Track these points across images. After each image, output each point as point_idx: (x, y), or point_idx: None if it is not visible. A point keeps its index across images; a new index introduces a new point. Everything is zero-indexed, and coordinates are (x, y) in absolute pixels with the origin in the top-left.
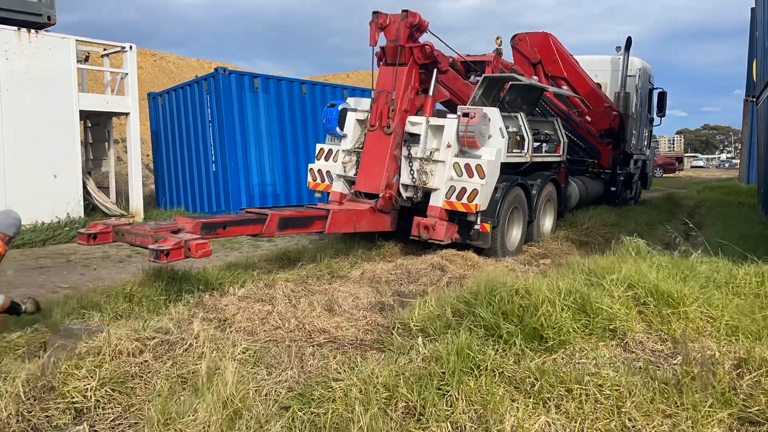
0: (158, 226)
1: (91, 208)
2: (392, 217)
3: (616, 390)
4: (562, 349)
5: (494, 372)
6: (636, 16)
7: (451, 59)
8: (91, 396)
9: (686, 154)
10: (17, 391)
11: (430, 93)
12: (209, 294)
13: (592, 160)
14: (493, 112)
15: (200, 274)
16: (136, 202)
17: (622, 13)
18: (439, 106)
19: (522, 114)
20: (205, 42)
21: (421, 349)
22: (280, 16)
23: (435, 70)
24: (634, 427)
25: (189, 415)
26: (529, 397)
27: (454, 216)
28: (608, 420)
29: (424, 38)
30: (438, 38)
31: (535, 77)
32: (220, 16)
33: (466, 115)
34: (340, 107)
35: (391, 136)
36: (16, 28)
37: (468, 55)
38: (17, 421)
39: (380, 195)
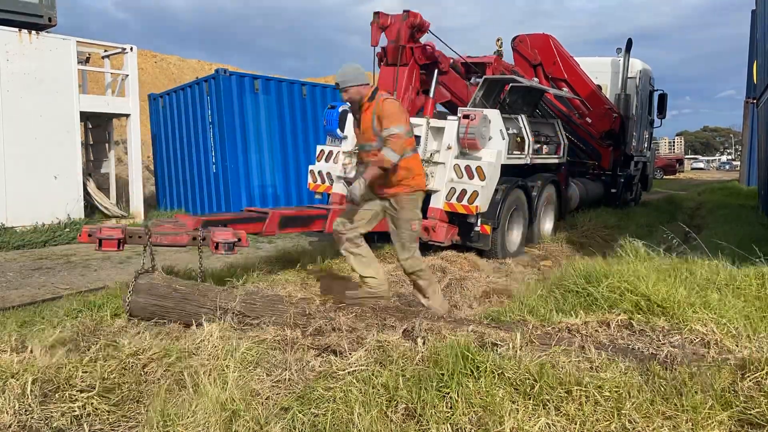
0: (159, 223)
1: (91, 209)
2: None
3: (616, 392)
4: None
5: (494, 374)
6: (555, 20)
7: (451, 60)
8: (92, 396)
9: (686, 156)
10: (23, 390)
11: (431, 94)
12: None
13: (593, 161)
14: (494, 114)
15: (200, 275)
16: (137, 203)
17: (540, 17)
18: (439, 108)
19: (522, 116)
20: (131, 36)
21: (420, 349)
22: (204, 16)
23: (436, 71)
24: (634, 428)
25: (188, 417)
26: (529, 399)
27: (454, 218)
28: (608, 422)
29: (425, 39)
30: (439, 39)
31: (536, 79)
32: (142, 15)
33: (466, 116)
34: (340, 109)
35: None
36: (16, 29)
37: (469, 57)
38: (17, 422)
39: None
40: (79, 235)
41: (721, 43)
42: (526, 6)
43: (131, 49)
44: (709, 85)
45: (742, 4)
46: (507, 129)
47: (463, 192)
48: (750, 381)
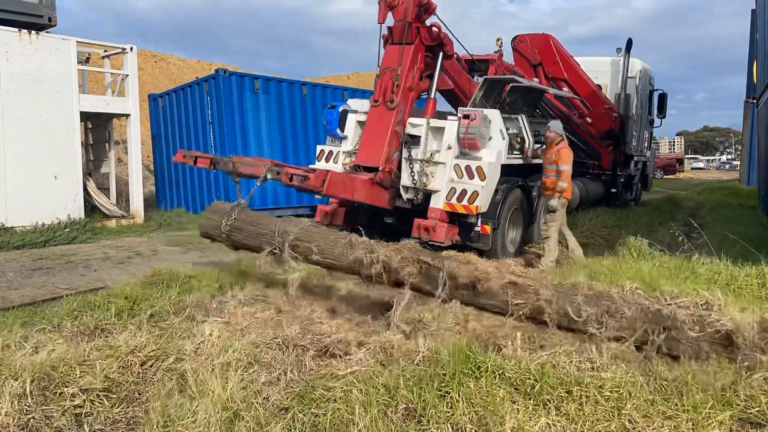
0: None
1: (91, 209)
2: (390, 194)
3: (617, 391)
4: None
5: (494, 373)
6: (518, 21)
7: (456, 55)
8: (92, 396)
9: (686, 156)
10: (23, 390)
11: (435, 77)
12: (210, 296)
13: (593, 161)
14: (494, 114)
15: (200, 275)
16: (137, 203)
17: (506, 18)
18: (439, 107)
19: (523, 116)
20: (102, 35)
21: (421, 350)
22: (174, 16)
23: (441, 54)
24: (634, 428)
25: (189, 417)
26: (530, 399)
27: (454, 218)
28: (609, 422)
29: (431, 22)
30: (445, 26)
31: (536, 79)
32: (113, 15)
33: (466, 117)
34: (340, 109)
35: (393, 111)
36: (16, 29)
37: (472, 55)
38: (16, 421)
39: (380, 168)
40: (174, 156)
41: (676, 48)
42: (490, 7)
43: (131, 49)
44: (664, 86)
45: (692, 6)
46: (507, 129)
47: (464, 192)
48: (749, 380)
